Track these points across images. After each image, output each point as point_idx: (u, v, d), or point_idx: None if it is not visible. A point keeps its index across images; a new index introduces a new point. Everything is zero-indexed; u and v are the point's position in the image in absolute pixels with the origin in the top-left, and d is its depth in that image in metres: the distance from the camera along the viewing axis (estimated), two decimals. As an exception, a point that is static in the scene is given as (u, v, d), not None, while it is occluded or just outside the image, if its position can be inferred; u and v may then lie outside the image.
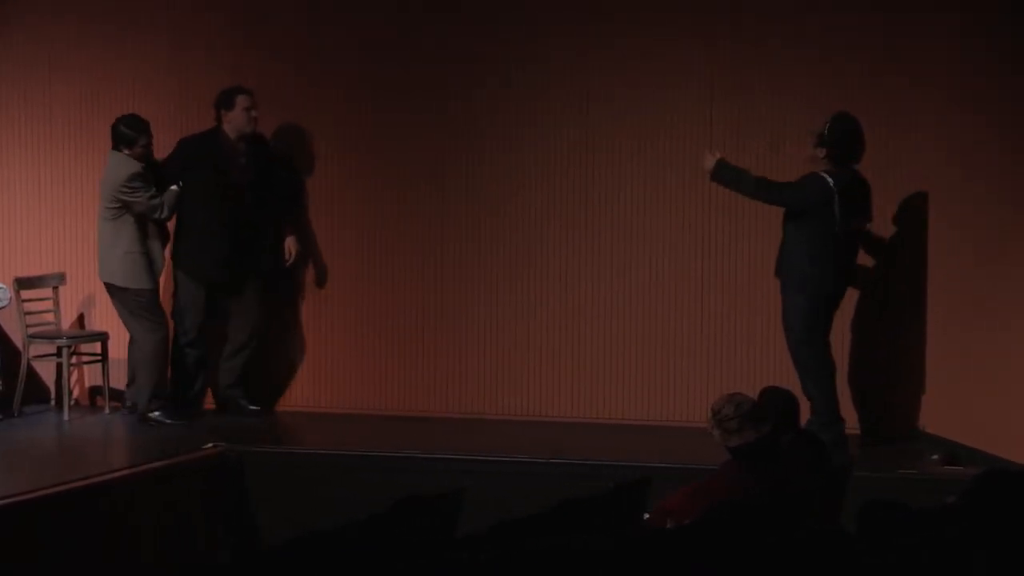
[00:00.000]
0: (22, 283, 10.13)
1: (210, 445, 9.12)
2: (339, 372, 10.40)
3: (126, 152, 9.63)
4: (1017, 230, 8.72)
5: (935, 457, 8.90)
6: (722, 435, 6.62)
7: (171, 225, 9.88)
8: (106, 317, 10.39)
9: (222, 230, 9.74)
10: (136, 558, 8.28)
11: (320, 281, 10.32)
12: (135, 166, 9.59)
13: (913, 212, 9.55)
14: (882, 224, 9.55)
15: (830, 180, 8.85)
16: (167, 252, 9.87)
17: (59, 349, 10.06)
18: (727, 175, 9.01)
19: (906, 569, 4.94)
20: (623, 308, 9.99)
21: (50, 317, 10.33)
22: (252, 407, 10.11)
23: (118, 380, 10.22)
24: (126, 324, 9.84)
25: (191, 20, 10.41)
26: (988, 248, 8.96)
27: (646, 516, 6.76)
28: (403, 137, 10.23)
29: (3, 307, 10.13)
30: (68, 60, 10.58)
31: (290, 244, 10.00)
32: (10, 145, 10.68)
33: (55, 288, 10.36)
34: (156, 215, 9.67)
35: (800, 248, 8.91)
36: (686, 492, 6.70)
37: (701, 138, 9.75)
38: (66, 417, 10.03)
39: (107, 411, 10.21)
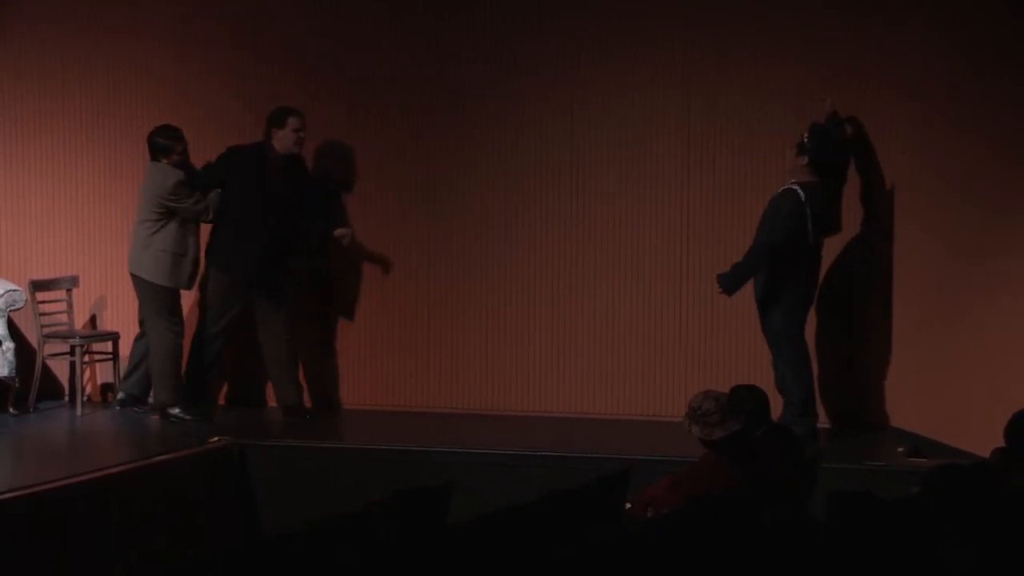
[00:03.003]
0: (37, 285, 10.27)
1: (215, 439, 9.23)
2: (337, 370, 10.50)
3: (165, 162, 9.80)
4: (983, 229, 8.79)
5: (900, 450, 8.90)
6: (703, 429, 6.74)
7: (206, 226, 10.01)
8: (117, 317, 10.58)
9: (256, 236, 9.84)
10: (144, 547, 8.34)
11: (324, 284, 10.46)
12: (177, 174, 9.76)
13: (883, 212, 9.61)
14: (852, 224, 9.63)
15: (802, 194, 8.93)
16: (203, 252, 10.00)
17: (72, 348, 10.21)
18: (735, 278, 9.02)
19: (872, 556, 5.04)
20: (607, 311, 10.08)
21: (63, 318, 10.44)
22: (305, 409, 10.20)
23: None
24: (144, 319, 9.94)
25: (199, 32, 10.52)
26: (954, 247, 9.02)
27: (627, 505, 6.95)
28: (403, 146, 10.34)
29: (19, 308, 10.28)
30: (80, 70, 10.69)
31: (342, 232, 10.06)
32: (26, 155, 10.82)
33: (68, 290, 10.48)
34: (202, 217, 9.86)
35: (776, 258, 8.98)
36: (666, 483, 6.87)
37: (680, 146, 9.88)
38: (79, 413, 10.15)
39: (118, 407, 10.29)
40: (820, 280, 9.36)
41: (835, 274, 9.68)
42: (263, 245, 9.88)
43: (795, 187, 9.01)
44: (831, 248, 9.60)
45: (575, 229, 10.16)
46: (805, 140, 9.06)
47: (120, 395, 10.30)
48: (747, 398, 7.10)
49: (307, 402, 10.36)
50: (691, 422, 6.79)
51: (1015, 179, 8.60)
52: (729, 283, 9.07)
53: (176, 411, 9.90)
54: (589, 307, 10.17)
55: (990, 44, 8.76)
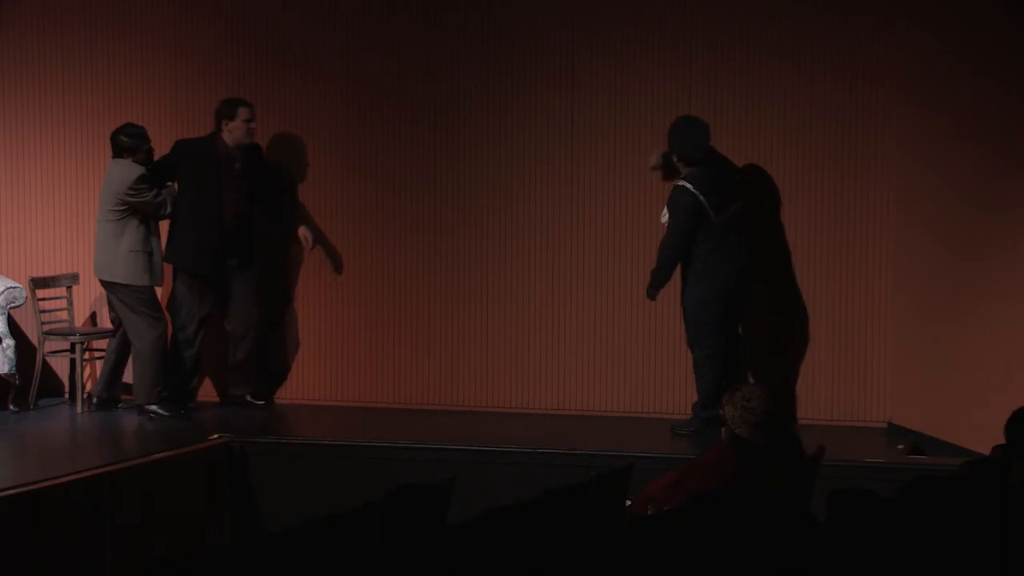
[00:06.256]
0: (37, 283, 10.28)
1: (215, 436, 9.24)
2: (337, 366, 10.51)
3: (130, 159, 9.79)
4: (982, 228, 8.83)
5: (901, 447, 9.00)
6: (734, 419, 6.73)
7: (164, 224, 10.01)
8: (117, 315, 10.62)
9: (212, 229, 9.87)
10: (144, 545, 8.39)
11: (316, 279, 10.45)
12: (139, 169, 9.75)
13: (882, 211, 9.64)
14: (852, 223, 9.69)
15: (690, 186, 9.17)
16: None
17: (72, 345, 10.19)
18: (653, 284, 9.40)
19: (871, 554, 5.02)
20: (607, 307, 10.09)
21: (64, 315, 10.45)
22: (256, 402, 10.30)
23: (129, 375, 10.21)
24: (124, 320, 9.90)
25: (194, 30, 10.53)
26: (954, 246, 9.04)
27: (628, 503, 6.97)
28: (399, 144, 10.33)
29: (19, 306, 10.29)
30: (81, 67, 10.69)
31: (304, 233, 10.15)
32: (26, 152, 10.80)
33: (68, 287, 10.49)
34: (161, 212, 9.84)
35: (694, 249, 9.25)
36: (666, 480, 6.87)
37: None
38: (79, 410, 10.14)
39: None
40: (746, 259, 9.48)
41: (835, 273, 9.73)
42: (216, 238, 9.90)
43: (683, 183, 9.25)
44: (832, 248, 9.73)
45: (575, 227, 10.17)
46: (667, 141, 9.37)
47: (96, 397, 10.28)
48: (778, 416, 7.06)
49: (311, 397, 10.48)
50: (730, 404, 6.77)
51: (1014, 178, 8.62)
52: (650, 289, 9.44)
53: (154, 407, 9.90)
54: (589, 304, 10.18)
55: (990, 44, 8.78)
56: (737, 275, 9.37)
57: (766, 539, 5.29)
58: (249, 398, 10.32)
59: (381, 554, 5.63)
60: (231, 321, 10.20)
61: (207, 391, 10.55)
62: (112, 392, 10.26)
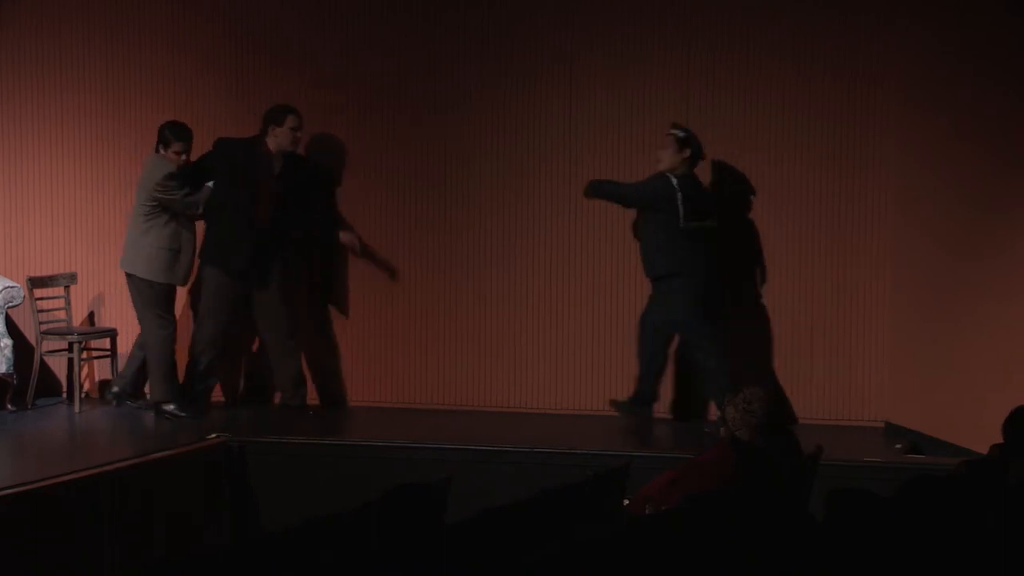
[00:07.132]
0: (35, 282, 10.28)
1: (213, 435, 9.23)
2: (336, 367, 10.50)
3: (162, 153, 9.82)
4: (980, 228, 8.85)
5: (899, 446, 8.99)
6: (737, 421, 6.76)
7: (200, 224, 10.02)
8: (115, 314, 10.57)
9: (244, 231, 9.82)
10: (143, 545, 8.38)
11: (321, 282, 10.45)
12: (170, 166, 9.76)
13: (880, 211, 9.67)
14: (850, 223, 9.72)
15: (673, 180, 9.30)
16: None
17: (70, 345, 10.18)
18: (593, 188, 9.58)
19: (870, 554, 5.08)
20: (606, 307, 10.11)
21: (62, 315, 10.44)
22: (309, 406, 10.27)
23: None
24: (139, 315, 9.92)
25: (192, 29, 10.55)
26: (952, 246, 9.05)
27: (625, 502, 6.97)
28: (399, 144, 10.35)
29: (17, 305, 10.28)
30: (79, 66, 10.70)
31: (347, 239, 10.19)
32: (24, 151, 10.80)
33: (66, 287, 10.48)
34: (191, 211, 9.83)
35: (657, 247, 9.38)
36: (664, 480, 6.86)
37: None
38: (77, 409, 10.14)
39: (113, 401, 10.27)
40: (720, 269, 9.61)
41: (834, 273, 9.76)
42: (252, 241, 9.87)
43: (669, 174, 9.39)
44: (830, 248, 9.76)
45: (575, 226, 10.17)
46: (689, 135, 9.42)
47: (115, 388, 10.29)
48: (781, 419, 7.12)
49: (311, 398, 10.40)
50: (731, 405, 6.80)
51: (1013, 178, 8.64)
52: (588, 187, 9.65)
53: (171, 408, 9.89)
54: (588, 304, 10.18)
55: (989, 44, 8.79)
56: (706, 281, 9.44)
57: (765, 539, 5.33)
58: (304, 404, 10.27)
59: (379, 554, 5.62)
60: (265, 328, 10.18)
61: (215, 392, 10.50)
62: (136, 389, 10.24)
